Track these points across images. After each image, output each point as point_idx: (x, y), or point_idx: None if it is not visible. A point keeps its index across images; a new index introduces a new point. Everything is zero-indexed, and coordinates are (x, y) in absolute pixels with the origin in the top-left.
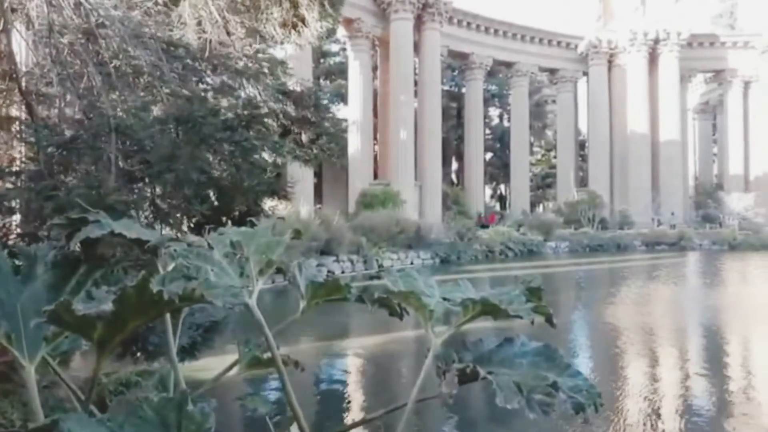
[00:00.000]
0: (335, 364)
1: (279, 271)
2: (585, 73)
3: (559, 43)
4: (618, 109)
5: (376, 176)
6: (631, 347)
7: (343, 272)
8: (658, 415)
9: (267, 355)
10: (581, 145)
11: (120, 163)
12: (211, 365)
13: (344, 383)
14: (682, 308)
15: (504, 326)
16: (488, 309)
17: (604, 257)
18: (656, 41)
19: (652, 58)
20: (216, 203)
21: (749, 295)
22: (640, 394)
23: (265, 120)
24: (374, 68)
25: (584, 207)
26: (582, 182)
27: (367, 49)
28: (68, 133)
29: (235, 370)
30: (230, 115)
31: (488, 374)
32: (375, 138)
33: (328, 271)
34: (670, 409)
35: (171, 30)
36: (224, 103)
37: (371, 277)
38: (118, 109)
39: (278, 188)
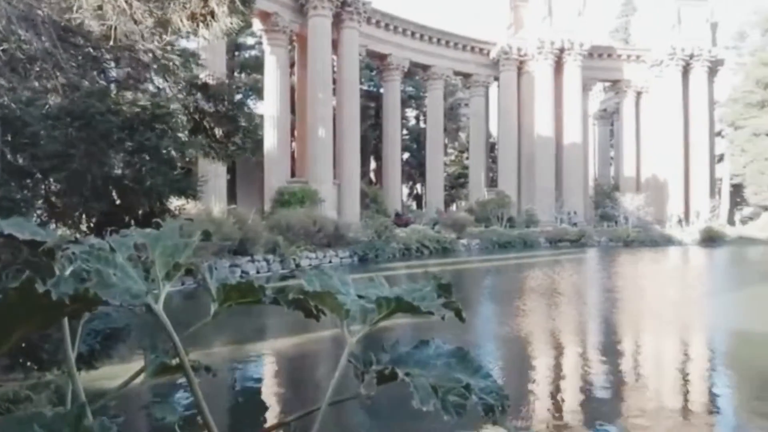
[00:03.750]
0: (250, 368)
1: (189, 272)
2: (496, 79)
3: (472, 48)
4: (526, 113)
5: (293, 174)
6: (535, 327)
7: (258, 272)
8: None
9: (176, 361)
10: (492, 147)
11: (8, 156)
12: (116, 374)
13: (259, 387)
14: (581, 295)
15: (419, 322)
16: (402, 306)
17: (512, 254)
18: (561, 50)
19: (558, 66)
20: (118, 202)
21: (635, 284)
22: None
23: (175, 115)
24: (292, 64)
25: (494, 206)
26: (492, 182)
27: (284, 44)
28: None
29: (141, 378)
30: (135, 109)
31: (406, 376)
32: (292, 135)
33: (243, 272)
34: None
35: (68, 14)
36: (129, 96)
37: (287, 277)
38: (5, 98)
39: (187, 186)
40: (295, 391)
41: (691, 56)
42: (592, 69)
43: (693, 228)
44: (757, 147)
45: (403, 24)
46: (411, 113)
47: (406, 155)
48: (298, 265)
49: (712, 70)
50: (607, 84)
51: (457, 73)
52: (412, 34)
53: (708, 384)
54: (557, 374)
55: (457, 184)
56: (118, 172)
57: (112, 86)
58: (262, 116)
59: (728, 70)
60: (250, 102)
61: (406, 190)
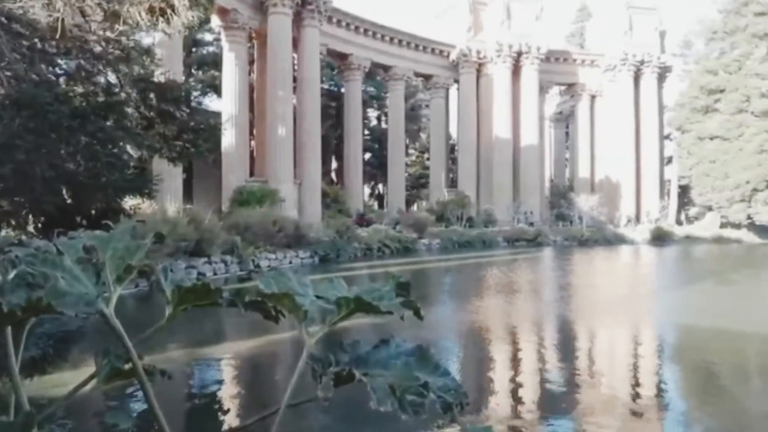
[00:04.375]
0: (207, 371)
1: (143, 275)
2: (456, 81)
3: (432, 50)
4: (485, 115)
5: (252, 173)
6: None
7: (215, 274)
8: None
9: (129, 365)
10: (452, 148)
11: None
12: (66, 380)
13: (217, 390)
14: (538, 292)
15: (382, 320)
16: (361, 306)
17: (471, 253)
18: (519, 54)
19: (516, 70)
20: (69, 201)
21: (589, 281)
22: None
23: (127, 110)
24: (251, 61)
25: (454, 206)
26: (453, 183)
27: (243, 41)
28: None
29: (92, 383)
30: (87, 99)
31: (364, 376)
32: (251, 134)
33: (199, 273)
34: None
35: (11, 3)
36: (79, 89)
37: (246, 279)
38: None
39: (142, 185)
40: (254, 394)
41: (642, 62)
42: (548, 73)
43: (644, 227)
44: (702, 150)
45: (365, 24)
46: (372, 113)
47: (367, 155)
48: (257, 266)
49: (661, 76)
50: (563, 87)
51: (417, 75)
52: (374, 34)
53: (657, 377)
54: (513, 369)
55: (418, 184)
56: (71, 166)
57: (62, 79)
58: (220, 114)
59: (676, 76)
60: (207, 99)
61: (367, 190)
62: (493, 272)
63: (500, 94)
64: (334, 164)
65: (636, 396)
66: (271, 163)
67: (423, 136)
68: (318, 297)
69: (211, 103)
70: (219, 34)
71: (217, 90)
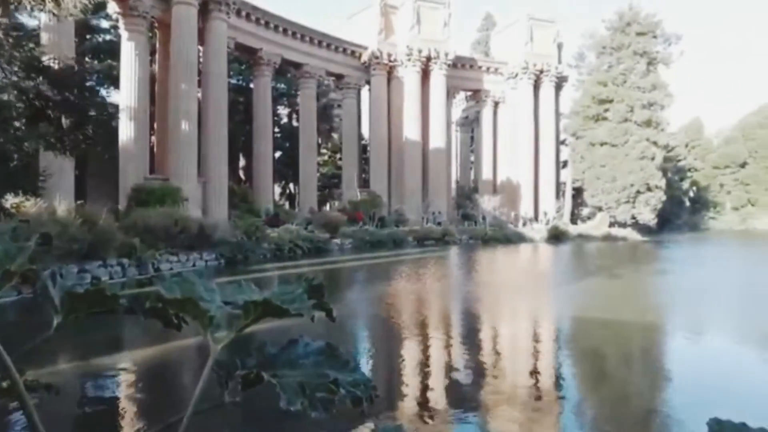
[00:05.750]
0: (104, 383)
1: (27, 281)
2: (368, 82)
3: (345, 50)
4: (396, 117)
5: (153, 170)
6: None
7: (112, 278)
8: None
9: (7, 382)
10: (365, 149)
11: None
12: None
13: (115, 403)
14: (445, 288)
15: (293, 322)
16: (271, 310)
17: (383, 252)
18: (429, 59)
19: (425, 74)
20: None
21: (492, 278)
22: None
23: (8, 99)
24: (153, 51)
25: (366, 206)
26: (365, 183)
27: (144, 30)
28: None
29: None
30: None
31: (272, 377)
32: (152, 128)
33: (93, 278)
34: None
35: None
36: None
37: (145, 284)
38: None
39: (25, 181)
40: (157, 405)
41: (541, 72)
42: (456, 78)
43: (541, 227)
44: (594, 155)
45: (276, 20)
46: (283, 111)
47: (278, 153)
48: (157, 270)
49: (558, 86)
50: (469, 93)
51: (329, 74)
52: (284, 31)
53: (554, 367)
54: (423, 363)
55: (330, 184)
56: None
57: None
58: (117, 106)
59: (571, 86)
60: (103, 91)
61: (278, 190)
62: (403, 270)
63: (410, 97)
64: (242, 162)
65: (535, 386)
66: (173, 160)
67: (335, 135)
68: (226, 303)
69: (107, 95)
70: (117, 21)
71: (114, 81)
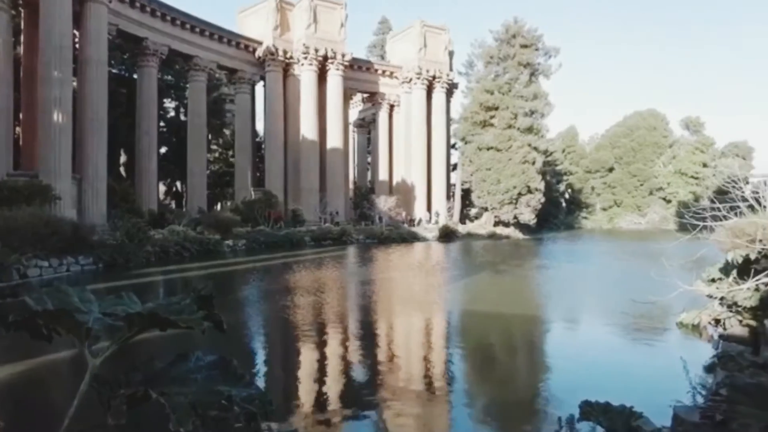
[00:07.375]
0: None
1: None
2: (263, 77)
3: (238, 44)
4: (292, 115)
5: (18, 166)
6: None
7: None
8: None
9: None
10: (259, 146)
11: None
12: None
13: None
14: (341, 288)
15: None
16: (156, 322)
17: (279, 253)
18: (325, 59)
19: (322, 74)
20: None
21: (387, 275)
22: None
23: None
24: (17, 32)
25: (261, 206)
26: (259, 182)
27: (6, 7)
28: None
29: None
30: None
31: (161, 396)
32: (17, 119)
33: None
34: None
35: None
36: None
37: (8, 294)
38: None
39: None
40: (21, 429)
41: (434, 78)
42: (353, 80)
43: (433, 226)
44: (481, 159)
45: (163, 8)
46: (170, 104)
47: (164, 149)
48: (24, 276)
49: (450, 92)
50: (366, 95)
51: (221, 68)
52: (173, 20)
53: (445, 358)
54: (319, 363)
55: (222, 182)
56: None
57: None
58: None
59: (461, 92)
60: None
61: (163, 188)
62: (299, 271)
63: (307, 96)
64: (123, 158)
65: (428, 377)
66: (43, 155)
67: (227, 132)
68: (105, 314)
69: None
70: None
71: None
